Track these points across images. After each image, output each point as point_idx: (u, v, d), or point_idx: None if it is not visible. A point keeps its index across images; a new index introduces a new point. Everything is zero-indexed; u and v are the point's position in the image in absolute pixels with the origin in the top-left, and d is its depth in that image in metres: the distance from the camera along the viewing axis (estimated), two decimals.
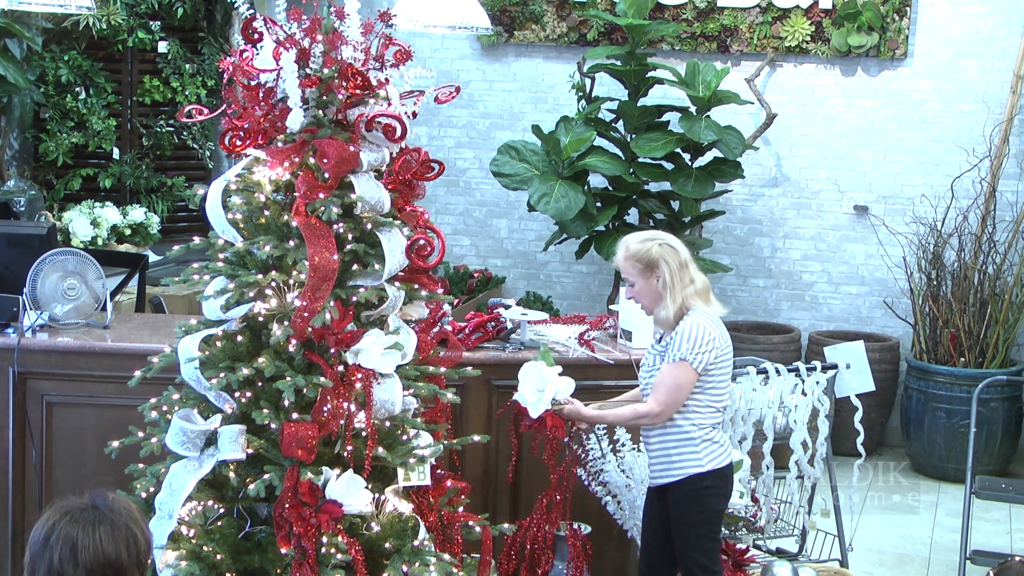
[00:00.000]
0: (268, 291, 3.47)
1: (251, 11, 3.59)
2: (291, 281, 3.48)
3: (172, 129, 7.28)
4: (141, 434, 3.62)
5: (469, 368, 3.93)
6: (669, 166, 7.06)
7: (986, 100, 7.15)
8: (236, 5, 3.66)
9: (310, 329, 3.38)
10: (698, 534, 3.94)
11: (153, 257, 6.37)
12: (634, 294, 3.97)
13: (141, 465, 3.63)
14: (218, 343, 3.52)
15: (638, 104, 7.03)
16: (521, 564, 4.28)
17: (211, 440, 3.47)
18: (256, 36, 3.53)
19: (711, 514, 3.97)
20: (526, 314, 4.61)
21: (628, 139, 7.07)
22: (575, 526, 4.39)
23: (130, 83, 7.19)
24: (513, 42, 7.82)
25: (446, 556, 3.56)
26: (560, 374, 3.99)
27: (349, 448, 3.44)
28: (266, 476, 3.36)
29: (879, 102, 7.38)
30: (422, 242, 3.57)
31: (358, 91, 3.48)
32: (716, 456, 3.94)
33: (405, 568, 3.43)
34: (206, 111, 3.71)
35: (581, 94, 7.28)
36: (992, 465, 6.80)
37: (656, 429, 3.94)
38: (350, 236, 3.49)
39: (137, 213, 6.77)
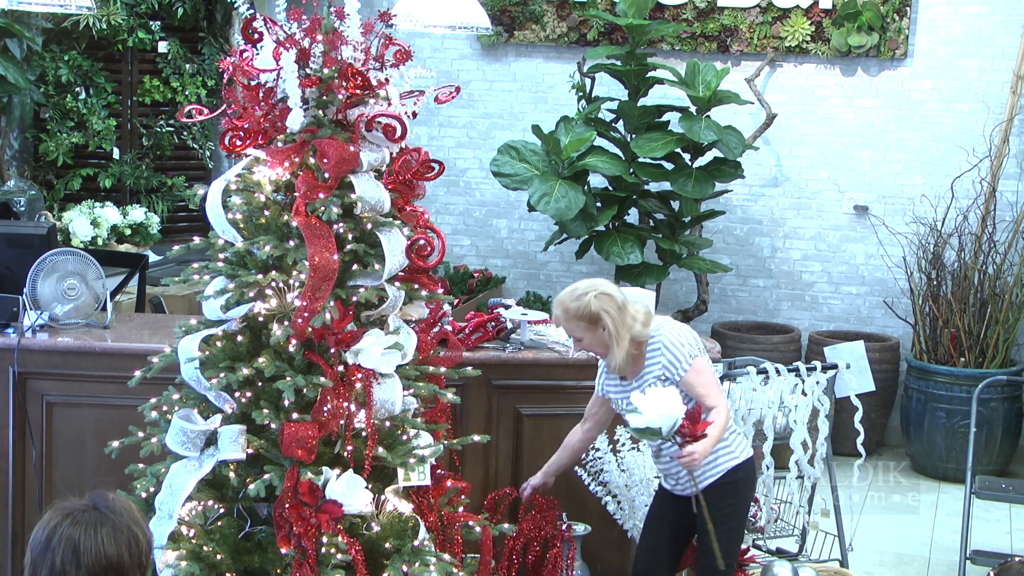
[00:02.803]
0: (268, 291, 3.47)
1: (251, 11, 3.59)
2: (291, 281, 3.48)
3: (172, 129, 7.28)
4: (141, 434, 3.62)
5: (469, 368, 3.93)
6: (669, 166, 7.06)
7: (986, 100, 7.15)
8: (236, 5, 3.66)
9: (310, 329, 3.38)
10: (727, 529, 3.93)
11: (153, 257, 6.37)
12: (584, 347, 4.01)
13: (141, 465, 3.63)
14: (218, 343, 3.52)
15: (638, 104, 7.03)
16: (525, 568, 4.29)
17: (211, 440, 3.47)
18: (256, 36, 3.53)
19: (743, 507, 4.01)
20: (526, 314, 4.61)
21: (628, 139, 7.07)
22: (567, 526, 4.39)
23: (130, 83, 7.19)
24: (513, 42, 7.82)
25: (446, 556, 3.56)
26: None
27: (349, 448, 3.44)
28: (266, 476, 3.36)
29: (879, 102, 7.38)
30: (422, 242, 3.57)
31: (358, 91, 3.48)
32: (744, 445, 4.03)
33: (405, 568, 3.43)
34: (206, 111, 3.71)
35: (581, 94, 7.28)
36: (992, 465, 6.80)
37: None
38: (350, 236, 3.49)
39: (137, 213, 6.77)
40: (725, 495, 3.93)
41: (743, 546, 4.48)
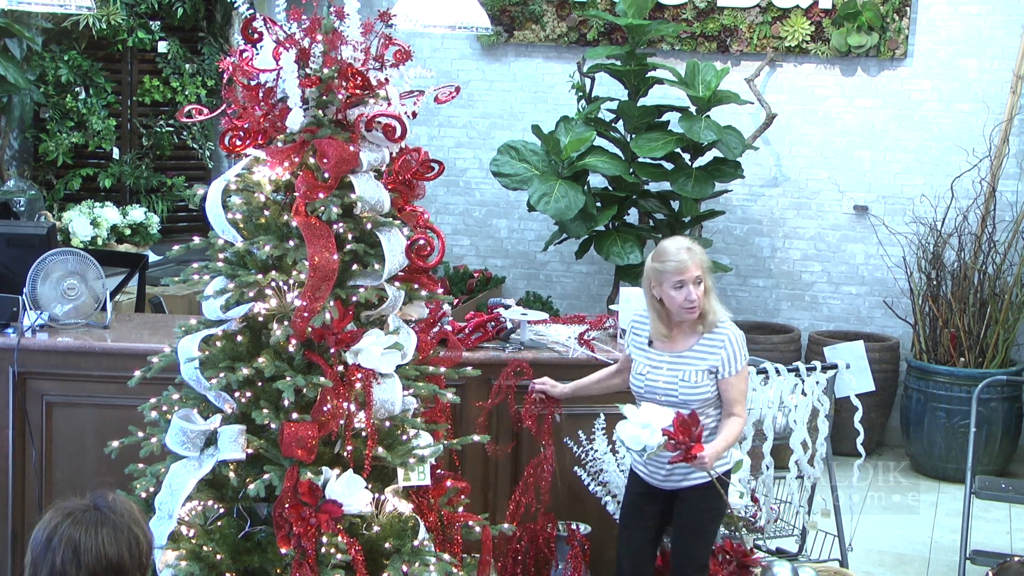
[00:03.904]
0: (268, 291, 3.47)
1: (251, 11, 3.59)
2: (291, 281, 3.48)
3: (172, 129, 7.28)
4: (141, 434, 3.62)
5: (469, 368, 3.93)
6: (669, 166, 7.06)
7: (986, 100, 7.15)
8: (236, 5, 3.66)
9: (310, 329, 3.38)
10: (708, 531, 4.00)
11: (153, 257, 6.37)
12: (700, 294, 3.95)
13: (141, 465, 3.63)
14: (218, 343, 3.52)
15: (638, 104, 7.03)
16: (527, 565, 4.28)
17: (211, 440, 3.47)
18: (256, 36, 3.53)
19: (724, 508, 4.03)
20: (526, 314, 4.61)
21: (628, 139, 7.07)
22: (574, 526, 4.39)
23: (130, 83, 7.19)
24: (513, 42, 7.82)
25: (446, 556, 3.56)
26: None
27: (349, 448, 3.44)
28: (266, 476, 3.36)
29: (879, 102, 7.38)
30: (422, 242, 3.57)
31: (358, 91, 3.48)
32: (733, 451, 4.02)
33: (405, 568, 3.43)
34: (206, 111, 3.71)
35: (581, 94, 7.28)
36: (992, 465, 6.80)
37: None
38: (350, 236, 3.49)
39: (137, 213, 6.77)
40: (709, 497, 3.95)
41: (744, 547, 4.48)
